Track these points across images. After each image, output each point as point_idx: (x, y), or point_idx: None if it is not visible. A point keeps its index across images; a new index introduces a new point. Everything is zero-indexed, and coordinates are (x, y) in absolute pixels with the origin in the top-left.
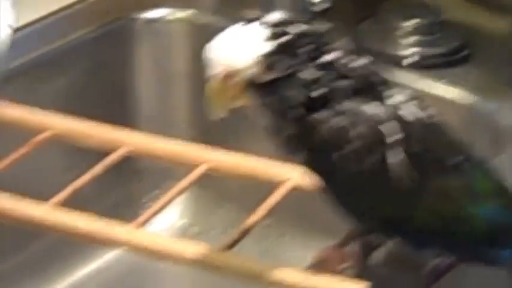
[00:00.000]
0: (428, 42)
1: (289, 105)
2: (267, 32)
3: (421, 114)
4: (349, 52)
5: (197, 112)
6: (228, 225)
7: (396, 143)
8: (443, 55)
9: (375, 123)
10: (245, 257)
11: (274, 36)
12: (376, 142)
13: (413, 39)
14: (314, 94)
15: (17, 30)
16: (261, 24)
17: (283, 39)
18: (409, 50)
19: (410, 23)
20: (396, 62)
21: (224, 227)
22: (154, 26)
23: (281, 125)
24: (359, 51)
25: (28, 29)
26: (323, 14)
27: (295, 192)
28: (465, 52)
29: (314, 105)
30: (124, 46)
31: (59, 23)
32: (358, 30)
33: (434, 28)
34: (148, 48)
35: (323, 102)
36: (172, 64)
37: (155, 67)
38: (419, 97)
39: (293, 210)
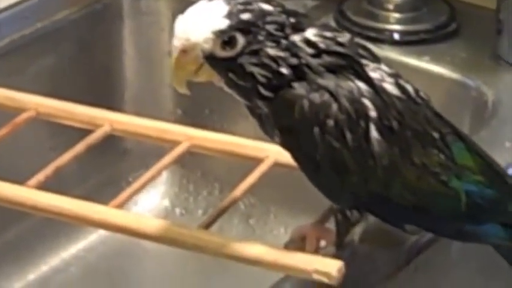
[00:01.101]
0: (414, 18)
1: (255, 82)
2: (228, 7)
3: (402, 89)
4: (326, 29)
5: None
6: (212, 206)
7: (378, 118)
8: (429, 31)
9: (356, 97)
10: (223, 235)
11: (236, 12)
12: (359, 116)
13: (399, 15)
14: (283, 70)
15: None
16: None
17: (244, 15)
18: (395, 26)
19: None
20: (382, 38)
21: (207, 207)
22: (140, 4)
23: (253, 104)
24: (338, 28)
25: (12, 10)
26: None
27: (279, 170)
28: (451, 27)
29: (286, 82)
30: (109, 25)
31: (43, 3)
32: (344, 7)
33: (420, 4)
34: (134, 27)
35: (297, 78)
36: (159, 43)
37: (141, 46)
38: (400, 72)
39: (277, 189)
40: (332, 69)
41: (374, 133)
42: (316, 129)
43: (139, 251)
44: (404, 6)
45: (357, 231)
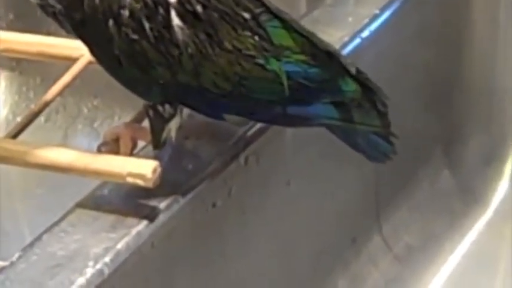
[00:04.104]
0: None
1: None
2: None
3: None
4: None
5: None
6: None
7: (178, 3)
8: None
9: None
10: (30, 143)
11: None
12: (157, 4)
13: None
14: None
15: None
16: None
17: None
18: None
19: None
20: None
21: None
22: None
23: (43, 1)
24: None
25: None
26: None
27: None
28: None
29: None
30: None
31: None
32: None
33: None
34: None
35: None
36: None
37: None
38: None
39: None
40: None
41: (175, 20)
42: (110, 22)
43: None
44: None
45: (173, 127)
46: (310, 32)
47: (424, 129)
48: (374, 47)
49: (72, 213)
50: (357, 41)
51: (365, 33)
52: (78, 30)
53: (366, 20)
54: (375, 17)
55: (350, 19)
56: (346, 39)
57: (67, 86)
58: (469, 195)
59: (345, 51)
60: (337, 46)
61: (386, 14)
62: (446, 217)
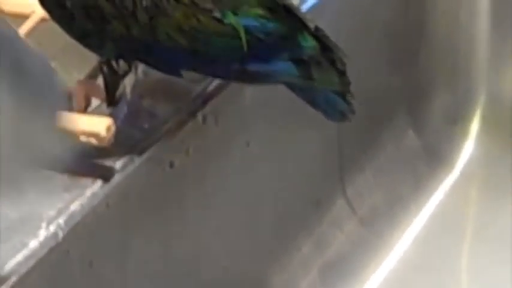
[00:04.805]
0: None
1: None
2: None
3: None
4: None
5: None
6: None
7: None
8: None
9: None
10: None
11: None
12: None
13: None
14: None
15: None
16: None
17: None
18: None
19: None
20: None
21: None
22: None
23: None
24: None
25: None
26: None
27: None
28: None
29: None
30: None
31: None
32: None
33: None
34: None
35: None
36: None
37: None
38: None
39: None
40: None
41: None
42: None
43: None
44: None
45: (127, 84)
46: None
47: (388, 89)
48: (334, 3)
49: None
50: None
51: None
52: None
53: None
54: None
55: None
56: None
57: None
58: (434, 156)
59: (304, 8)
60: (295, 1)
61: None
62: (411, 179)
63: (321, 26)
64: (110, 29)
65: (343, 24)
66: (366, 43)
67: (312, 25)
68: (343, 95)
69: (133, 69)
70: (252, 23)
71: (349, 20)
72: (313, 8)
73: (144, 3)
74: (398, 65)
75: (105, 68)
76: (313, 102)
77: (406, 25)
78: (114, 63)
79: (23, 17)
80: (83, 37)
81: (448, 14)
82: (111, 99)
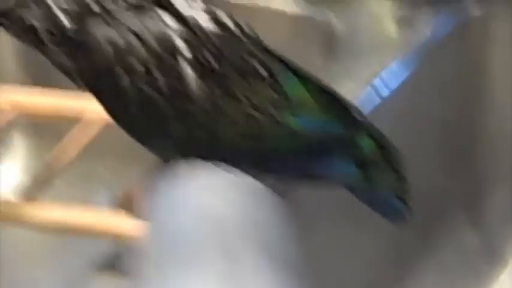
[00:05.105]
0: None
1: (36, 35)
2: None
3: (220, 24)
4: None
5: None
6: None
7: (193, 57)
8: None
9: (166, 36)
10: (46, 204)
11: None
12: (170, 57)
13: None
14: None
15: None
16: None
17: None
18: None
19: None
20: None
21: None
22: None
23: (53, 58)
24: None
25: None
26: None
27: None
28: None
29: (71, 30)
30: None
31: None
32: None
33: None
34: None
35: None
36: None
37: None
38: (218, 6)
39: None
40: (136, 9)
41: (190, 74)
42: (124, 77)
43: None
44: None
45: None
46: (326, 86)
47: (445, 186)
48: (392, 104)
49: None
50: (374, 97)
51: (382, 90)
52: (89, 86)
53: (384, 77)
54: (393, 73)
55: (367, 75)
56: (363, 96)
57: (82, 146)
58: (494, 253)
59: (362, 108)
60: (353, 103)
61: (403, 70)
62: (471, 277)
63: (379, 127)
64: (171, 131)
65: (400, 124)
66: (423, 142)
67: (369, 126)
68: (401, 196)
69: None
70: (311, 124)
71: (407, 119)
72: (371, 108)
73: (203, 104)
74: (456, 162)
75: (166, 169)
76: (371, 203)
77: (463, 123)
78: (174, 163)
79: (85, 120)
80: (144, 138)
81: (505, 108)
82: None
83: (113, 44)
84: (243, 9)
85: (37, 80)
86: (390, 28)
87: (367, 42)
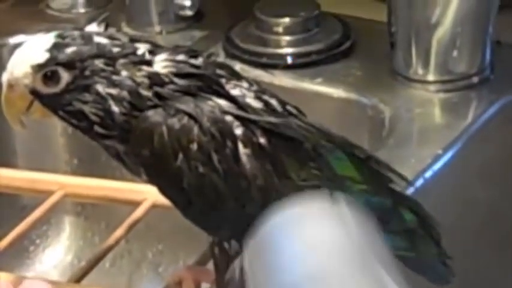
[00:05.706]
0: (305, 40)
1: (89, 121)
2: (54, 41)
3: (265, 104)
4: (178, 52)
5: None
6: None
7: (244, 135)
8: (321, 51)
9: (219, 116)
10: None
11: (61, 46)
12: (224, 136)
13: (289, 37)
14: (114, 108)
15: None
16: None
17: (68, 50)
18: (286, 49)
19: (284, 21)
20: (274, 63)
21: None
22: None
23: (102, 144)
24: (197, 50)
25: None
26: (193, 19)
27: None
28: (345, 46)
29: (121, 119)
30: None
31: None
32: (232, 34)
33: (311, 24)
34: None
35: (147, 108)
36: None
37: None
38: (266, 88)
39: (185, 234)
40: (189, 92)
41: (243, 151)
42: (180, 156)
43: None
44: (295, 28)
45: (237, 265)
46: (371, 156)
47: (488, 270)
48: (437, 187)
49: None
50: (420, 181)
51: (428, 173)
52: (147, 169)
53: (429, 161)
54: (438, 157)
55: (413, 160)
56: (409, 179)
57: (131, 230)
58: None
59: (408, 191)
60: (400, 186)
61: (449, 154)
62: None
63: (425, 207)
64: (226, 208)
65: (445, 206)
66: (467, 224)
67: (410, 200)
68: (443, 259)
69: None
70: (356, 198)
71: (452, 201)
72: (417, 191)
73: (257, 181)
74: (499, 244)
75: (216, 250)
76: (415, 269)
77: (507, 205)
78: (226, 244)
79: (134, 204)
80: (199, 218)
81: None
82: (221, 282)
83: (168, 125)
84: (293, 93)
85: (90, 171)
86: (435, 112)
87: (414, 128)
